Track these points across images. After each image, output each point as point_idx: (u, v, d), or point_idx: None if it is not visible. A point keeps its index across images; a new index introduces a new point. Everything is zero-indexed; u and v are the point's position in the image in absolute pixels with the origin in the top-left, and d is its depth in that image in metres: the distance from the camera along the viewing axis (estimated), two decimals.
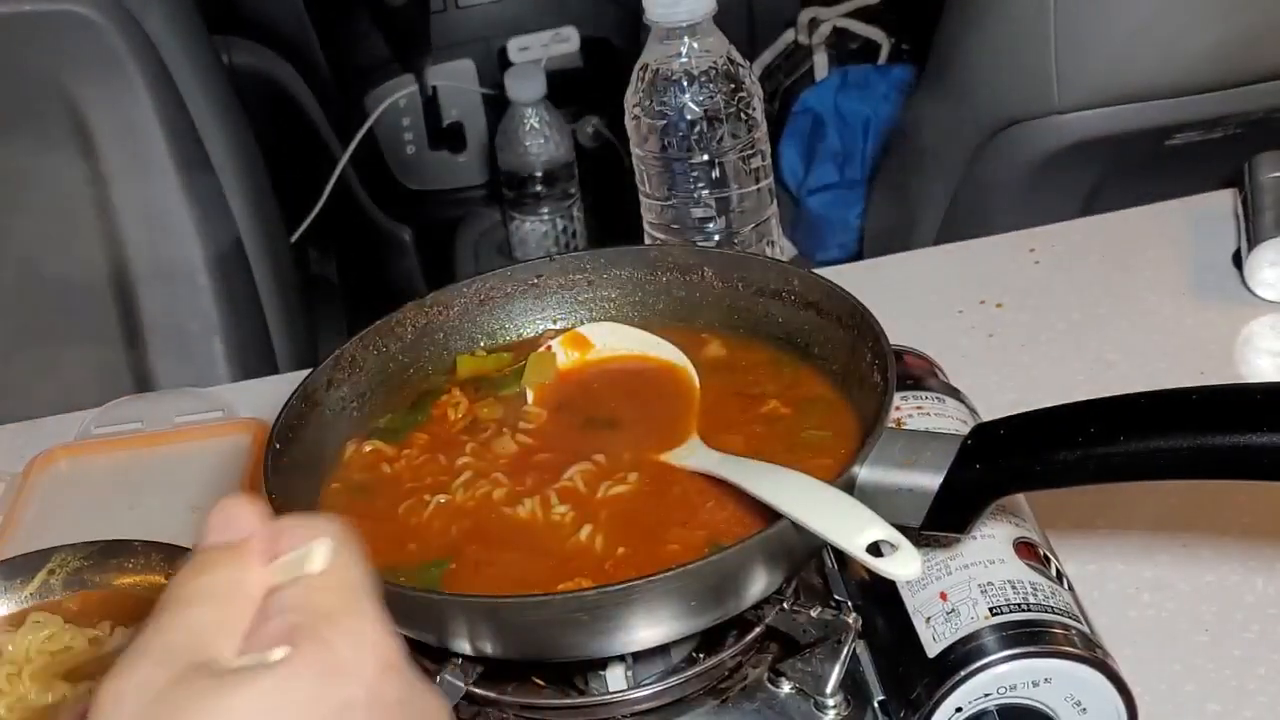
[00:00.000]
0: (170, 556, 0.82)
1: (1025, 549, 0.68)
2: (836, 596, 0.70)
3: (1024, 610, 0.64)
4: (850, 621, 0.65)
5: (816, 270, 0.77)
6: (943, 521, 0.59)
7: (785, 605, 0.65)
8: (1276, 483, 0.52)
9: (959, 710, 0.64)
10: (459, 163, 2.25)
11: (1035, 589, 0.66)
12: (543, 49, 2.19)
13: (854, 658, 0.66)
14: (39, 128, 1.34)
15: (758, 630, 0.65)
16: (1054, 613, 0.64)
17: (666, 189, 0.92)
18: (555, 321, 0.79)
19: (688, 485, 0.66)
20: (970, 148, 1.42)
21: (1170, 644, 0.75)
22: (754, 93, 0.90)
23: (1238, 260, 1.05)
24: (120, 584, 0.82)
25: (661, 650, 0.64)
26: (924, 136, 1.54)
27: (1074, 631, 0.64)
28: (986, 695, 0.63)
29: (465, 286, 0.78)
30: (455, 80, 2.20)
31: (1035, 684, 0.63)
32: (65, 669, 0.75)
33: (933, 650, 0.64)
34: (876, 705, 0.66)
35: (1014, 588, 0.65)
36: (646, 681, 0.64)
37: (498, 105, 2.06)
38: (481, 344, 0.79)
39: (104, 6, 1.30)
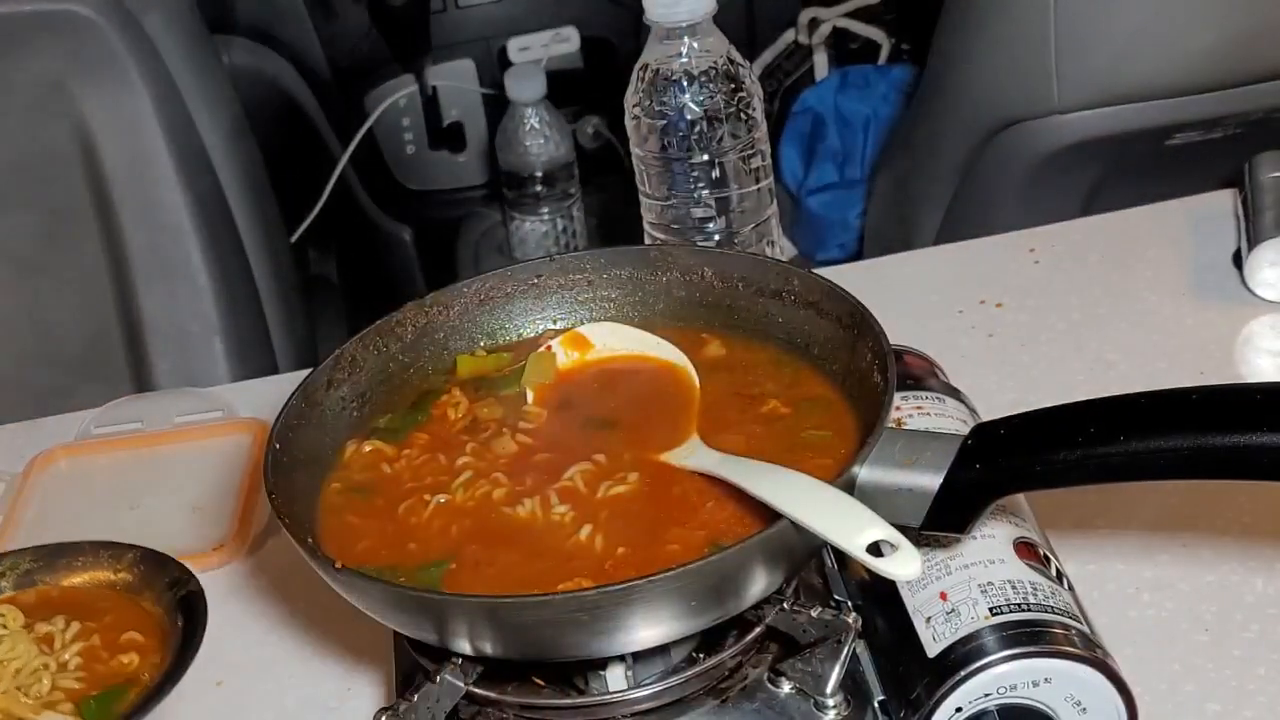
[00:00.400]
0: (117, 554, 0.83)
1: (1025, 549, 0.68)
2: (836, 596, 0.70)
3: (1024, 610, 0.64)
4: (850, 621, 0.65)
5: (816, 270, 0.77)
6: (943, 521, 0.59)
7: (785, 605, 0.65)
8: (1276, 483, 0.52)
9: (959, 710, 0.64)
10: (459, 163, 2.25)
11: (1035, 589, 0.66)
12: (543, 49, 2.20)
13: (854, 658, 0.66)
14: (39, 128, 1.34)
15: (758, 630, 0.65)
16: (1054, 613, 0.64)
17: (666, 189, 0.92)
18: (555, 321, 0.79)
19: (688, 485, 0.66)
20: (970, 148, 1.42)
21: (1170, 644, 0.75)
22: (754, 93, 0.90)
23: (1238, 260, 1.05)
24: (70, 583, 0.83)
25: (661, 650, 0.64)
26: (924, 136, 1.54)
27: (1074, 631, 0.64)
28: (986, 695, 0.63)
29: (465, 286, 0.78)
30: (455, 80, 2.20)
31: (1035, 684, 0.63)
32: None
33: (933, 650, 0.64)
34: (876, 705, 0.66)
35: (1014, 588, 0.65)
36: (646, 681, 0.64)
37: (498, 105, 2.07)
38: (481, 344, 0.79)
39: (104, 6, 1.30)
